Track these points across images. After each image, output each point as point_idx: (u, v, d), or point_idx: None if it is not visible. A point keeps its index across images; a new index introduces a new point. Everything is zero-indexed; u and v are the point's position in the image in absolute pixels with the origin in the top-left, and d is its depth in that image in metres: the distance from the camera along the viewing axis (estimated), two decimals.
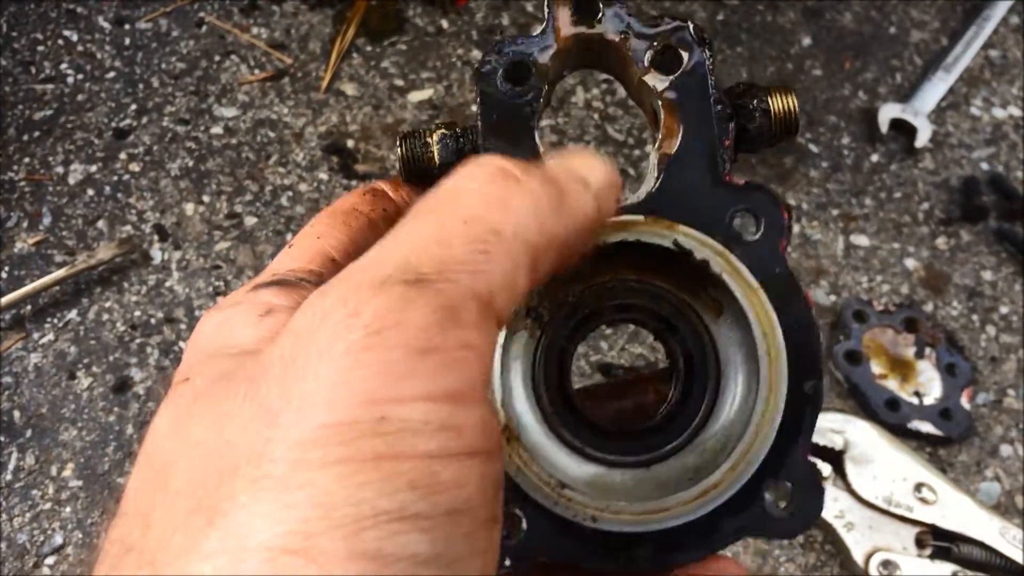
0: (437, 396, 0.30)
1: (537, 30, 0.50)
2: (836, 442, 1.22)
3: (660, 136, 0.48)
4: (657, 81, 0.48)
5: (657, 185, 0.47)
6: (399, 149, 0.49)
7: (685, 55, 0.48)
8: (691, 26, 0.48)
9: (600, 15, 0.49)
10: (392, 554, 0.28)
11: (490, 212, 0.35)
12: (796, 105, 0.49)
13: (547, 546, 0.45)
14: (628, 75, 0.50)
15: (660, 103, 0.48)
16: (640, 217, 0.46)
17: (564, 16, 0.49)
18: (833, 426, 1.23)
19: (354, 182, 1.43)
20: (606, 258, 0.47)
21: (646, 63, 0.48)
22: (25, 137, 1.41)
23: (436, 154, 0.48)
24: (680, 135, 0.47)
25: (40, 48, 1.50)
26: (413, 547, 0.29)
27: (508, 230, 0.34)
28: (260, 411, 0.30)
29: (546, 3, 0.50)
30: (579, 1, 0.49)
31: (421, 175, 0.49)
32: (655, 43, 0.48)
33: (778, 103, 0.48)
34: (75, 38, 1.52)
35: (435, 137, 0.48)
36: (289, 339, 0.32)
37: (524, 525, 0.45)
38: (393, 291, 0.31)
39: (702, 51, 0.48)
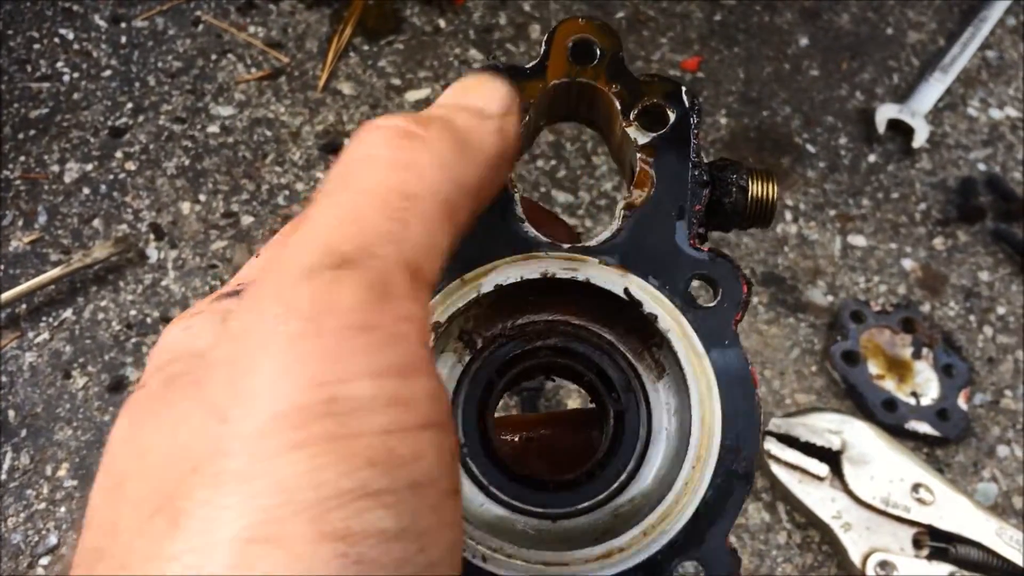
0: (382, 371, 0.30)
1: (529, 63, 0.48)
2: (833, 442, 1.22)
3: (632, 187, 0.47)
4: (639, 135, 0.47)
5: (618, 232, 0.45)
6: None
7: (671, 114, 0.47)
8: (684, 88, 0.47)
9: (595, 61, 0.48)
10: (360, 532, 0.28)
11: (398, 176, 0.34)
12: (775, 193, 0.47)
13: None
14: (612, 128, 0.49)
15: (637, 156, 0.47)
16: (592, 259, 0.45)
17: (560, 57, 0.48)
18: (830, 426, 1.23)
19: None
20: (550, 294, 0.45)
21: (632, 117, 0.47)
22: (21, 135, 1.40)
23: None
24: (651, 189, 0.46)
25: (36, 46, 1.49)
26: (380, 523, 0.29)
27: (420, 191, 0.34)
28: (210, 411, 0.30)
29: (545, 41, 0.48)
30: (579, 45, 0.48)
31: None
32: (645, 98, 0.47)
33: (757, 187, 0.47)
34: (71, 36, 1.51)
35: None
36: (229, 340, 0.32)
37: None
38: (322, 277, 0.31)
39: (690, 114, 0.47)
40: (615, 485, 0.45)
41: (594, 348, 0.47)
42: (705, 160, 0.47)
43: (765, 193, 0.47)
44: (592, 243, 0.45)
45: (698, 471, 0.42)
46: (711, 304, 0.44)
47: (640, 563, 0.41)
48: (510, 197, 0.46)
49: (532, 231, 0.45)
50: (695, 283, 0.45)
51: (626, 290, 0.44)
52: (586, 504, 0.45)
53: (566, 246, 0.45)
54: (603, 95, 0.48)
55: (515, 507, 0.45)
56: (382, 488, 0.29)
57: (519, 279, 0.44)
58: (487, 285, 0.44)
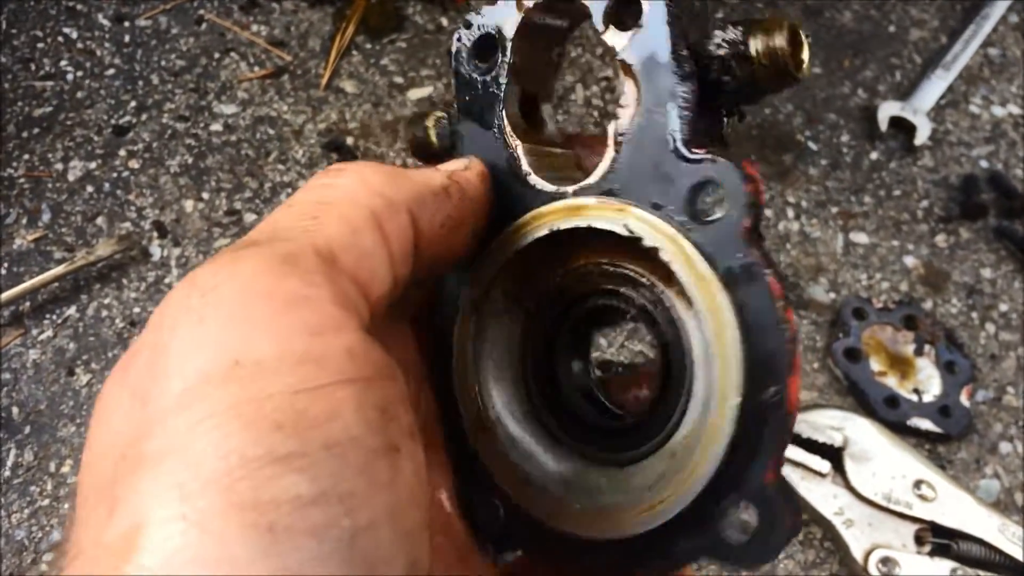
0: (288, 331, 0.30)
1: None
2: (835, 439, 1.22)
3: (617, 106, 0.43)
4: (616, 39, 0.42)
5: (613, 163, 0.42)
6: (406, 132, 0.51)
7: (646, 6, 0.41)
8: None
9: None
10: (271, 500, 0.27)
11: (317, 192, 0.37)
12: (787, 40, 0.40)
13: (518, 537, 0.44)
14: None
15: (620, 66, 0.42)
16: (592, 200, 0.42)
17: None
18: (832, 423, 1.23)
19: None
20: (573, 244, 0.44)
21: (603, 21, 0.42)
22: (25, 134, 1.41)
23: (434, 136, 0.47)
24: (638, 102, 0.41)
25: (40, 45, 1.50)
26: (293, 489, 0.28)
27: (335, 199, 0.36)
28: (133, 395, 0.31)
29: None
30: None
31: (425, 156, 0.48)
32: None
33: (760, 43, 0.40)
34: (75, 35, 1.52)
35: (431, 120, 0.48)
36: (149, 326, 0.32)
37: (501, 514, 0.44)
38: (223, 256, 0.32)
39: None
40: (669, 423, 0.43)
41: (630, 284, 0.44)
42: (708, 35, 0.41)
43: (773, 46, 0.40)
44: (592, 180, 0.43)
45: (721, 408, 0.38)
46: (718, 215, 0.39)
47: (684, 511, 0.39)
48: (512, 155, 0.45)
49: (540, 182, 0.44)
50: (699, 195, 0.40)
51: (625, 226, 0.41)
52: (646, 446, 0.43)
53: (571, 190, 0.43)
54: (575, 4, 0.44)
55: (587, 457, 0.45)
56: (292, 451, 0.28)
57: (532, 240, 0.44)
58: (509, 251, 0.44)
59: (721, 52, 0.41)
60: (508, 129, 0.45)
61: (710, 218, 0.39)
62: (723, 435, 0.38)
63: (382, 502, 0.30)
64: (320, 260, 0.33)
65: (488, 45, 0.46)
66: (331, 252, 0.34)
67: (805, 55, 0.41)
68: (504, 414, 0.46)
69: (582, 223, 0.42)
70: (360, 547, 0.29)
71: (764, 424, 0.38)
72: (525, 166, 0.45)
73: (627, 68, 0.42)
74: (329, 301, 0.32)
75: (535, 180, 0.45)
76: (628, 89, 0.43)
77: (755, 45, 0.41)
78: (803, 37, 0.41)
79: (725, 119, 0.44)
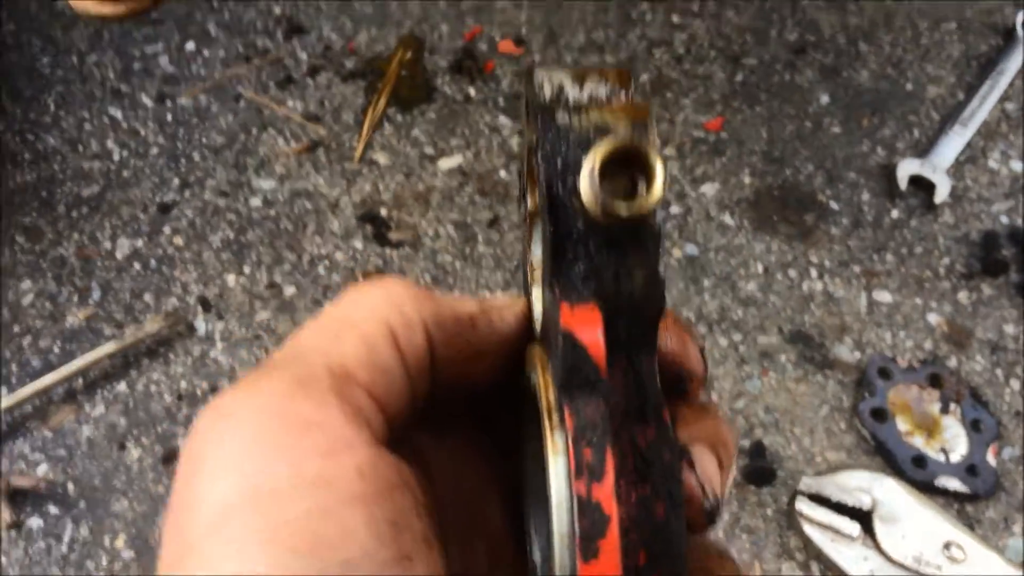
0: (302, 454, 0.31)
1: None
2: (864, 501, 1.24)
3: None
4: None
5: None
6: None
7: None
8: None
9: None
10: None
11: (341, 307, 0.38)
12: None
13: None
14: None
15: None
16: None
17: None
18: (861, 484, 1.26)
19: (387, 250, 1.48)
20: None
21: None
22: (74, 213, 1.47)
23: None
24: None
25: (87, 126, 1.57)
26: None
27: (357, 315, 0.37)
28: (174, 526, 0.33)
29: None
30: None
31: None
32: None
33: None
34: (120, 116, 1.59)
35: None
36: (183, 457, 0.34)
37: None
38: (244, 381, 0.34)
39: None
40: None
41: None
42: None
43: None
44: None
45: None
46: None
47: None
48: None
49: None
50: None
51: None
52: None
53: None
54: None
55: None
56: (310, 573, 0.30)
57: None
58: None
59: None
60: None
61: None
62: None
63: None
64: (334, 380, 0.34)
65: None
66: (346, 370, 0.35)
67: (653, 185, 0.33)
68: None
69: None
70: None
71: None
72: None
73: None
74: (341, 422, 0.33)
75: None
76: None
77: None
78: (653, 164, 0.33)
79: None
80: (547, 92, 0.37)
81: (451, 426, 0.47)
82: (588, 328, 0.34)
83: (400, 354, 0.37)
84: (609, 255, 0.35)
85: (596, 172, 0.33)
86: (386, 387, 0.37)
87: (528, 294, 0.43)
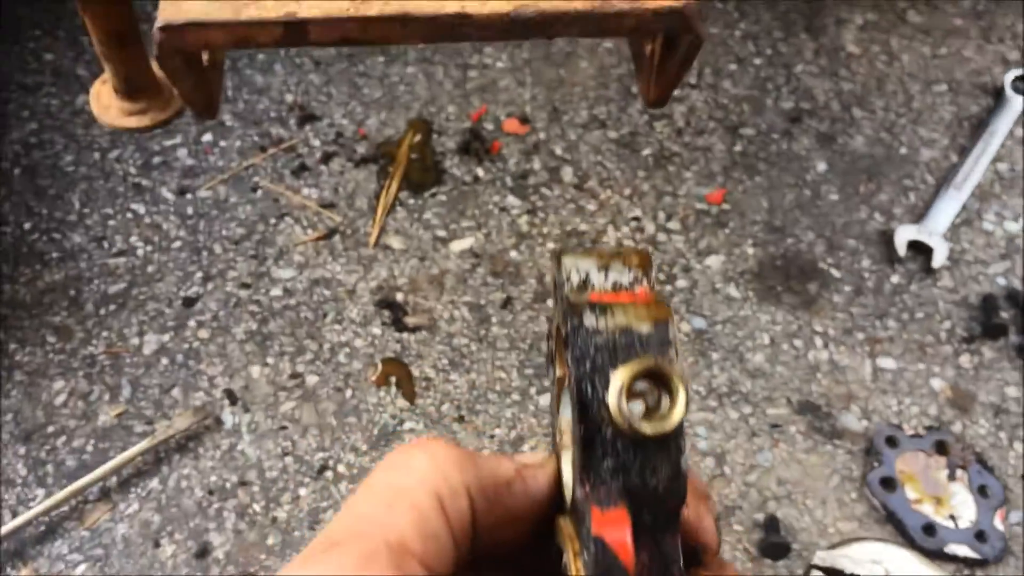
0: None
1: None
2: (877, 572, 1.28)
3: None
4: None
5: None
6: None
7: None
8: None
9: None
10: None
11: (393, 475, 0.41)
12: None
13: None
14: None
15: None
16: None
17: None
18: (873, 556, 1.30)
19: (405, 335, 1.53)
20: None
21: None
22: (102, 311, 1.53)
23: None
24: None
25: (111, 223, 1.63)
26: None
27: (409, 483, 0.40)
28: None
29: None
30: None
31: None
32: None
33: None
34: (142, 210, 1.65)
35: None
36: None
37: None
38: (310, 561, 0.37)
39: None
40: None
41: None
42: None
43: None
44: None
45: None
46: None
47: None
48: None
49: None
50: None
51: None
52: None
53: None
54: None
55: None
56: None
57: None
58: None
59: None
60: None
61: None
62: None
63: None
64: (392, 555, 0.37)
65: None
66: (402, 543, 0.38)
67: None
68: None
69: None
70: None
71: None
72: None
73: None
74: None
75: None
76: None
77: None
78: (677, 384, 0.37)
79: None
80: (575, 281, 0.42)
81: None
82: (617, 531, 0.38)
83: (447, 521, 0.41)
84: (635, 454, 0.38)
85: (623, 392, 0.36)
86: (437, 554, 0.40)
87: (558, 456, 0.46)
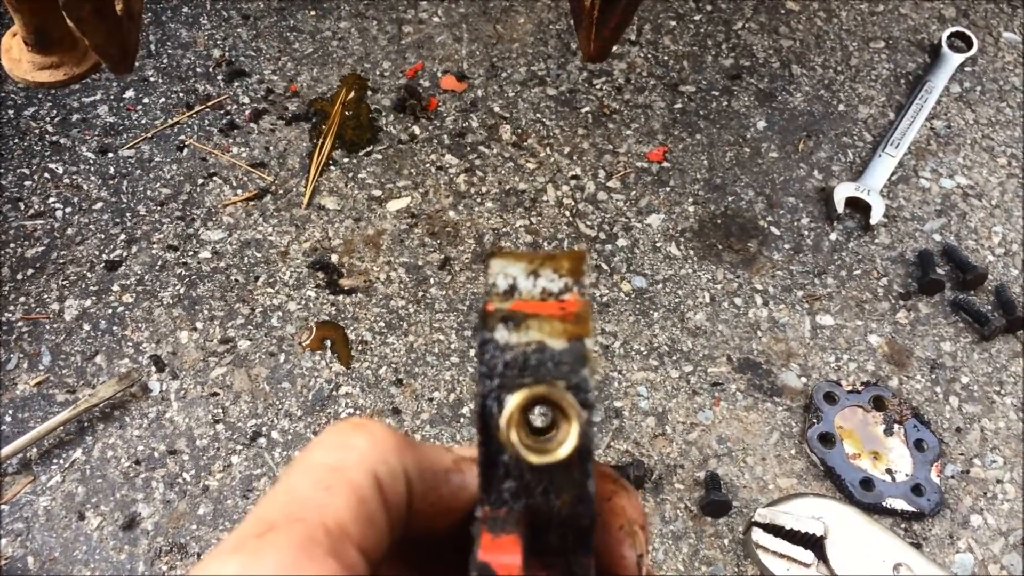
0: None
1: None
2: (816, 528, 1.28)
3: None
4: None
5: None
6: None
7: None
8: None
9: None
10: None
11: (330, 454, 0.39)
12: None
13: None
14: None
15: None
16: None
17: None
18: (812, 511, 1.30)
19: (340, 297, 1.49)
20: None
21: None
22: (20, 275, 1.45)
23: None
24: None
25: (27, 183, 1.55)
26: None
27: (347, 463, 0.39)
28: None
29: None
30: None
31: None
32: None
33: None
34: (60, 170, 1.57)
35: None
36: None
37: None
38: (246, 547, 0.35)
39: None
40: None
41: None
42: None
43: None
44: None
45: None
46: None
47: None
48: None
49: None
50: None
51: None
52: None
53: None
54: None
55: None
56: None
57: None
58: None
59: None
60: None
61: None
62: None
63: None
64: (331, 541, 0.36)
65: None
66: (341, 527, 0.37)
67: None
68: None
69: None
70: None
71: None
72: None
73: None
74: None
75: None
76: None
77: None
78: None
79: None
80: (501, 286, 0.38)
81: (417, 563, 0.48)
82: (506, 556, 0.35)
83: (386, 505, 0.39)
84: (538, 477, 0.36)
85: (512, 419, 0.34)
86: (374, 539, 0.39)
87: None
